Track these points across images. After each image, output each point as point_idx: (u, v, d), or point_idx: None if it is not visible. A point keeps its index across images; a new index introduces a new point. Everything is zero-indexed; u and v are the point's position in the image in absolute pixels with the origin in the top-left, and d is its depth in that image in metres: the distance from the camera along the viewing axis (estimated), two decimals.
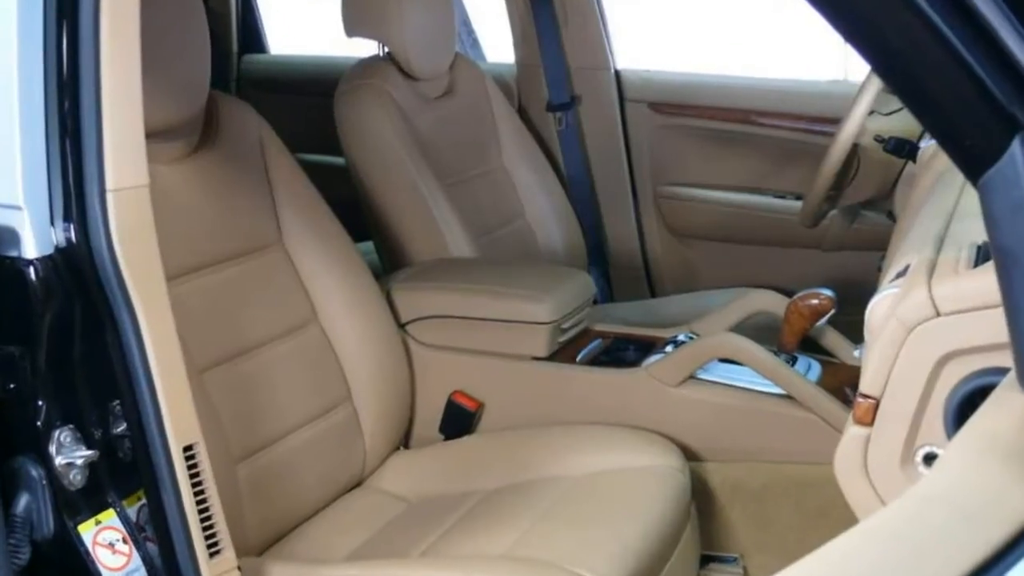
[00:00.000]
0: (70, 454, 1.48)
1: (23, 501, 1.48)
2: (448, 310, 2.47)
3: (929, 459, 1.25)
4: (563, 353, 2.46)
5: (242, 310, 2.12)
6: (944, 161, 1.66)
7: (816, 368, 2.35)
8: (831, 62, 3.41)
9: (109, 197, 1.47)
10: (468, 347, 2.47)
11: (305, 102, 3.56)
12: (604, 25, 3.30)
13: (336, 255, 2.30)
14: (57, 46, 1.46)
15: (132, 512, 1.53)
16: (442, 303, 2.48)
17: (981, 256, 1.25)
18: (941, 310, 1.21)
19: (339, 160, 2.82)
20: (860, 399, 1.27)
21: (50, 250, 1.48)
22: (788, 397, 2.23)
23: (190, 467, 1.54)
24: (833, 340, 2.45)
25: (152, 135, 1.62)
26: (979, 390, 1.20)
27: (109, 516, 1.52)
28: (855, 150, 2.42)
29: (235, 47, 4.07)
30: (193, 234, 2.05)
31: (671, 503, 2.07)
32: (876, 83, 2.29)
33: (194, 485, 1.55)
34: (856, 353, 2.30)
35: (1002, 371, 1.07)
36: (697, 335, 2.49)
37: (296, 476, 2.13)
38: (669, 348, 2.41)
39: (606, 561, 1.85)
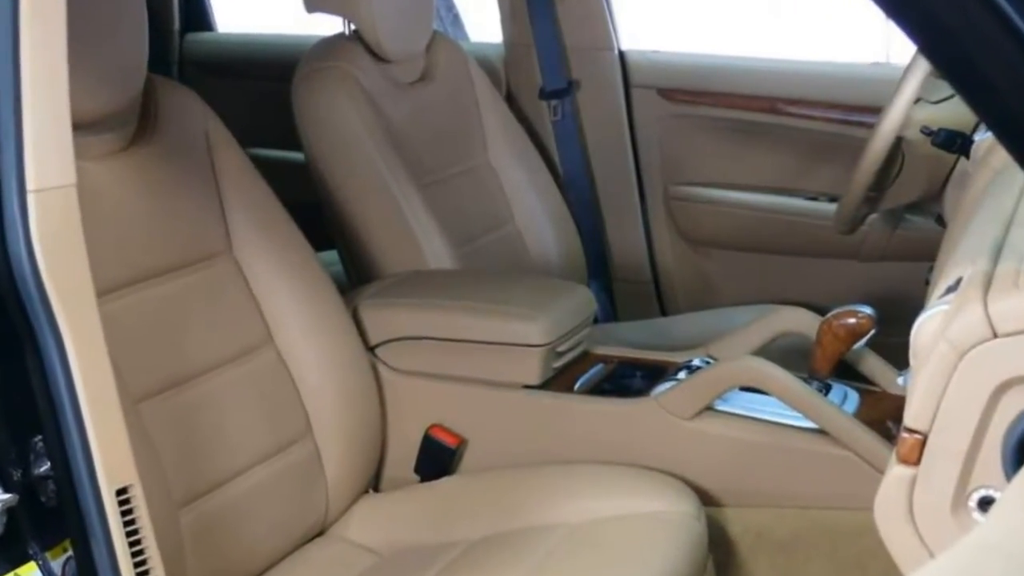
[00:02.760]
0: None
1: None
2: (425, 331, 2.47)
3: (985, 503, 1.25)
4: (559, 381, 2.46)
5: (185, 331, 2.11)
6: (1002, 157, 1.67)
7: (854, 398, 2.35)
8: (871, 42, 3.43)
9: (30, 198, 1.47)
10: (448, 374, 2.47)
11: (259, 88, 3.57)
12: None
13: (294, 266, 2.30)
14: None
15: (57, 566, 1.53)
16: (418, 322, 2.48)
17: None
18: (999, 330, 1.21)
19: (298, 156, 2.83)
20: (905, 434, 1.27)
21: None
22: (821, 432, 2.24)
23: (124, 513, 1.54)
24: (873, 365, 2.46)
25: (80, 127, 1.62)
26: None
27: (30, 570, 1.52)
28: (899, 144, 2.43)
29: (177, 24, 4.07)
30: (128, 242, 2.05)
31: (685, 555, 2.07)
32: (923, 66, 2.30)
33: (129, 534, 1.54)
34: (900, 381, 2.31)
35: None
36: (715, 359, 2.49)
37: (248, 524, 2.13)
38: (682, 375, 2.41)
39: None
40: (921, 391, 1.26)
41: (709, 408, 2.32)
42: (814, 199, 3.14)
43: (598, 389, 2.45)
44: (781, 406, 2.28)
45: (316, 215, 2.70)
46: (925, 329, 1.31)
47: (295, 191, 2.49)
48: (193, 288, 2.15)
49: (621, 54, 3.33)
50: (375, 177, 2.73)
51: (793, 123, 3.14)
